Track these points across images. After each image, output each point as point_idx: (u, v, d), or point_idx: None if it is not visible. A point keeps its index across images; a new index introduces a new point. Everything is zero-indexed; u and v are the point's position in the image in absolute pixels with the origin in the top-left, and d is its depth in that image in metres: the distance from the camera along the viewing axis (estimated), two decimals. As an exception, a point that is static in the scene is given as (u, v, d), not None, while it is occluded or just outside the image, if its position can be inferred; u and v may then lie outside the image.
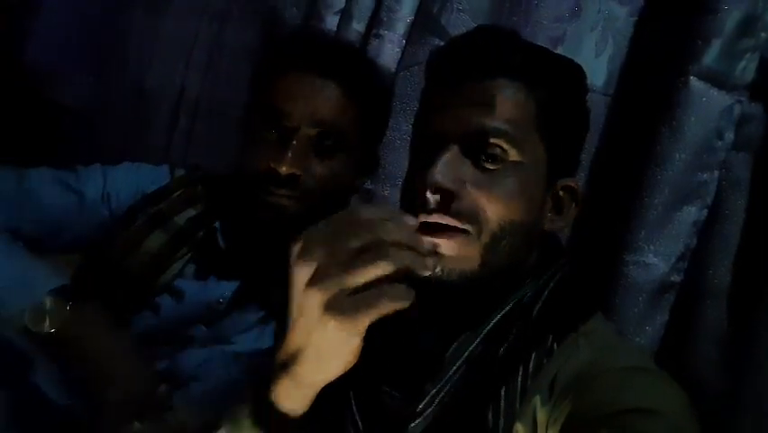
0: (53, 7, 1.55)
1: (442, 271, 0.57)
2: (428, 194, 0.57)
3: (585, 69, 0.66)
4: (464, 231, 0.57)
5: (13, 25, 1.54)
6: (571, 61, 0.64)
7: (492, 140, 0.58)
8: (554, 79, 0.61)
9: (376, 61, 0.92)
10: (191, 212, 0.83)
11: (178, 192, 0.84)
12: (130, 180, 0.86)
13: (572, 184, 0.63)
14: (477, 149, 0.59)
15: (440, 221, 0.57)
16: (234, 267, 0.82)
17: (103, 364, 0.66)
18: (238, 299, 0.81)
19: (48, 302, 0.67)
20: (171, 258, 0.80)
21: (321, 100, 0.77)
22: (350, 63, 0.81)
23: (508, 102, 0.59)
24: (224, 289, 0.81)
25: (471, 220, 0.57)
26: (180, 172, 0.88)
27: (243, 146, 0.80)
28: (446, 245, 0.57)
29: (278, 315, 0.82)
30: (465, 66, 0.60)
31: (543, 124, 0.60)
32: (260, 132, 0.77)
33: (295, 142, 0.75)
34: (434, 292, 0.60)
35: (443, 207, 0.57)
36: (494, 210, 0.57)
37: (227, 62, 1.30)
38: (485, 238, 0.58)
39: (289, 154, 0.74)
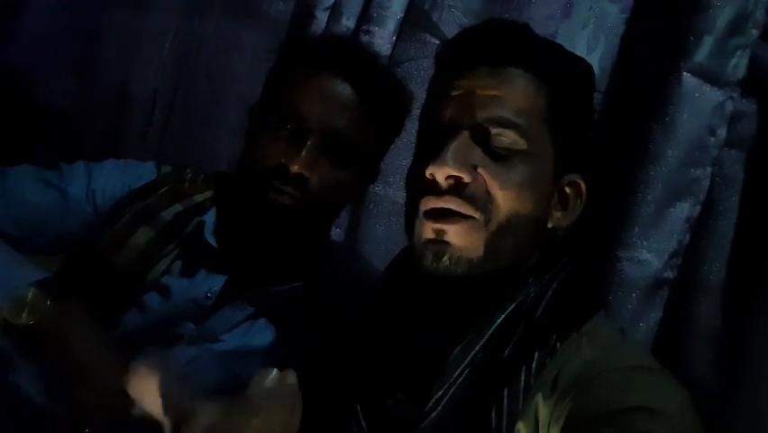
0: (34, 8, 1.53)
1: (449, 260, 0.57)
2: (439, 178, 0.57)
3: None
4: (472, 218, 0.57)
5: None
6: (581, 59, 0.65)
7: (502, 129, 0.58)
8: (565, 74, 0.61)
9: (402, 83, 0.90)
10: (178, 207, 0.82)
11: (165, 188, 0.83)
12: (115, 177, 0.84)
13: (578, 180, 0.63)
14: (487, 137, 0.58)
15: (450, 205, 0.57)
16: (223, 263, 0.80)
17: (81, 362, 0.64)
18: (226, 294, 0.80)
19: (29, 294, 0.65)
20: (158, 254, 0.79)
21: (339, 108, 0.76)
22: (374, 77, 0.81)
23: (520, 93, 0.59)
24: (213, 283, 0.80)
25: (481, 206, 0.57)
26: (167, 168, 0.87)
27: (251, 141, 0.79)
28: (452, 232, 0.57)
29: (267, 311, 0.81)
30: (479, 54, 0.60)
31: (552, 117, 0.60)
32: (273, 129, 0.77)
33: (309, 143, 0.74)
34: (438, 287, 0.60)
35: (454, 191, 0.57)
36: (504, 198, 0.57)
37: (207, 57, 1.28)
38: (492, 227, 0.57)
39: (303, 153, 0.74)
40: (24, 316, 0.64)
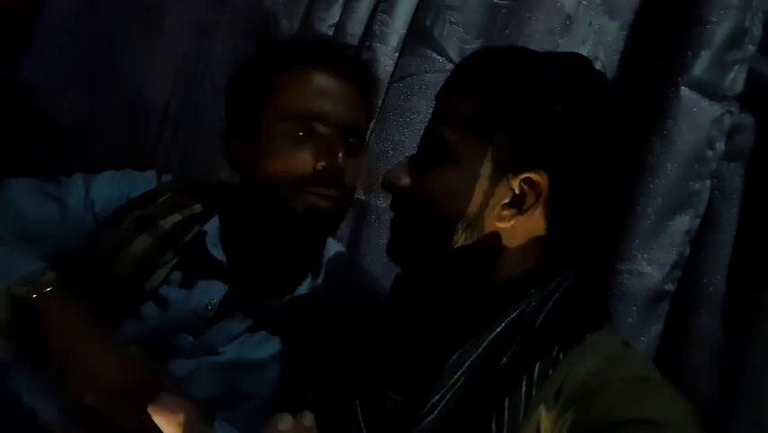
0: (49, 23, 1.56)
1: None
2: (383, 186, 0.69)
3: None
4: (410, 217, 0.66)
5: (11, 40, 1.55)
6: (534, 58, 0.65)
7: (430, 145, 0.65)
8: (497, 80, 0.63)
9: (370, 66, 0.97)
10: (177, 217, 0.82)
11: (165, 197, 0.83)
12: (114, 186, 0.84)
13: (533, 176, 0.61)
14: (422, 153, 0.67)
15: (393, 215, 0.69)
16: (224, 273, 0.81)
17: (70, 347, 0.62)
18: (226, 306, 0.80)
19: (41, 272, 0.67)
20: (157, 263, 0.79)
21: (349, 102, 0.80)
22: (360, 66, 0.86)
23: (446, 111, 0.66)
24: (212, 295, 0.80)
25: (413, 213, 0.66)
26: (167, 178, 0.87)
27: (263, 153, 0.78)
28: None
29: (267, 323, 0.81)
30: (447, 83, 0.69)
31: (484, 124, 0.62)
32: (292, 135, 0.77)
33: (342, 143, 0.78)
34: (441, 290, 0.62)
35: (392, 203, 0.69)
36: (429, 204, 0.63)
37: (214, 74, 1.30)
38: (423, 226, 0.65)
39: (340, 155, 0.76)
40: (30, 291, 0.65)
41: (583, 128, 0.62)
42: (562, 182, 0.62)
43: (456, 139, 0.63)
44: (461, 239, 0.62)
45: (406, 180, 0.66)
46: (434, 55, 1.02)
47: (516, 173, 0.61)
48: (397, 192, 0.67)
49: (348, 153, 0.78)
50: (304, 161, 0.76)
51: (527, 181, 0.61)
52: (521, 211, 0.62)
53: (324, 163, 0.76)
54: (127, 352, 0.66)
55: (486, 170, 0.62)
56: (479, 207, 0.62)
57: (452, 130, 0.63)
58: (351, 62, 0.83)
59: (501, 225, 0.62)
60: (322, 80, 0.79)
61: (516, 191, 0.62)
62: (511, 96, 0.62)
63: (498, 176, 0.62)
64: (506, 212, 0.62)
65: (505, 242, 0.63)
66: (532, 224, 0.63)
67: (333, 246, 0.91)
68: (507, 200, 0.62)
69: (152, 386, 0.60)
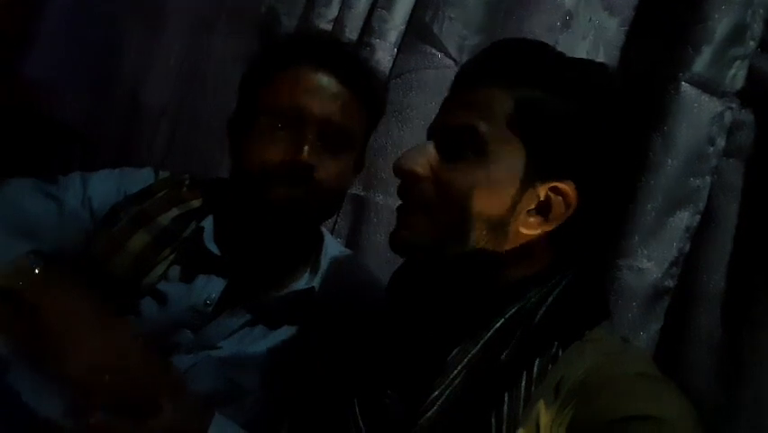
0: (50, 25, 1.56)
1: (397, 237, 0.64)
2: (397, 174, 0.64)
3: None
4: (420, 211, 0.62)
5: (11, 39, 1.54)
6: (575, 64, 0.64)
7: (459, 135, 0.61)
8: (541, 81, 0.61)
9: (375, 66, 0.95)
10: (175, 212, 0.81)
11: (162, 192, 0.83)
12: (111, 183, 0.84)
13: (561, 185, 0.60)
14: (446, 143, 0.63)
15: (399, 203, 0.64)
16: (221, 268, 0.80)
17: (59, 334, 0.60)
18: (225, 300, 0.79)
19: (25, 259, 0.65)
20: (155, 259, 0.78)
21: (332, 98, 0.78)
22: (356, 64, 0.83)
23: (482, 102, 0.62)
24: (211, 290, 0.79)
25: (428, 204, 0.61)
26: (165, 174, 0.87)
27: (247, 145, 0.79)
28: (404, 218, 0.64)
29: (265, 318, 0.81)
30: (457, 77, 0.66)
31: (522, 124, 0.60)
32: (268, 129, 0.77)
33: (309, 136, 0.76)
34: (443, 287, 0.62)
35: (402, 190, 0.64)
36: (451, 198, 0.60)
37: (213, 70, 1.30)
38: (439, 220, 0.61)
39: (306, 147, 0.75)
40: (15, 280, 0.63)
41: (615, 143, 0.62)
42: (586, 193, 0.61)
43: (491, 133, 0.60)
44: (482, 240, 0.60)
45: (424, 168, 0.62)
46: (434, 51, 1.02)
47: (543, 180, 0.60)
48: (412, 180, 0.62)
49: (325, 150, 0.77)
50: (272, 152, 0.76)
51: (554, 190, 0.60)
52: (547, 220, 0.61)
53: (288, 157, 0.75)
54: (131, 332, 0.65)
55: (517, 171, 0.60)
56: (506, 209, 0.60)
57: (487, 122, 0.60)
58: (348, 62, 0.82)
59: (526, 231, 0.61)
60: (312, 77, 0.78)
61: (542, 198, 0.60)
62: (553, 102, 0.60)
63: (528, 180, 0.60)
64: (532, 219, 0.61)
65: (523, 246, 0.62)
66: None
67: (333, 243, 0.90)
68: (532, 207, 0.61)
69: (152, 367, 0.60)
